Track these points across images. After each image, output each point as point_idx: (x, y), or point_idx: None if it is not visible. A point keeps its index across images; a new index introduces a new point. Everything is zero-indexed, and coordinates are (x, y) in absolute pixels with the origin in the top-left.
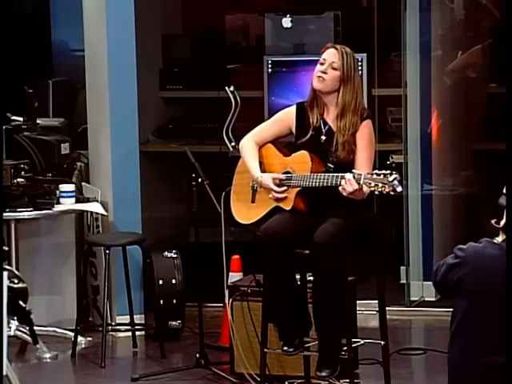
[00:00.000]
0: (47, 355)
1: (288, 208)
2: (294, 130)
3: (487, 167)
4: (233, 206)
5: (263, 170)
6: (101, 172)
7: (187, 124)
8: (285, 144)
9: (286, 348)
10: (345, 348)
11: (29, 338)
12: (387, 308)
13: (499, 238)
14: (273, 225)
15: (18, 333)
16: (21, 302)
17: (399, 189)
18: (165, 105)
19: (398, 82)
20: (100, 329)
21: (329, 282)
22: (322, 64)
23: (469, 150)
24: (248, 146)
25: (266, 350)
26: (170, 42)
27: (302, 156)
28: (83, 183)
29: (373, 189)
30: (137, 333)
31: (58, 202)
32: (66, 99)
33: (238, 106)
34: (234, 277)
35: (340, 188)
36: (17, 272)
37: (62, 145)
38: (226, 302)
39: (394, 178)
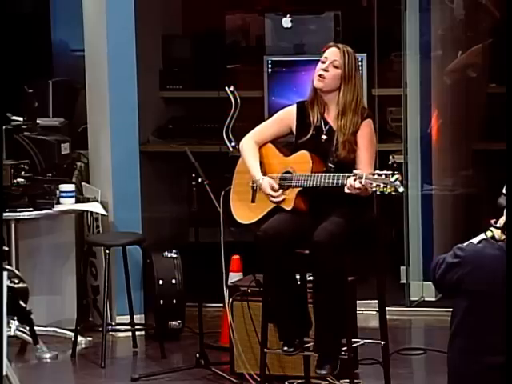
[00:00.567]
0: (47, 355)
1: (289, 208)
2: (294, 130)
3: (487, 167)
4: (233, 206)
5: (263, 170)
6: (101, 172)
7: (187, 124)
8: (284, 144)
9: (285, 348)
10: (345, 348)
11: (29, 338)
12: (387, 308)
13: (489, 233)
14: (273, 225)
15: (18, 333)
16: (21, 302)
17: (401, 189)
18: (165, 105)
19: (398, 82)
20: (100, 329)
21: (329, 281)
22: (323, 62)
23: (469, 150)
24: (248, 146)
25: (266, 350)
26: (170, 42)
27: (303, 156)
28: (83, 183)
29: (374, 189)
30: (137, 333)
31: (58, 202)
32: (66, 99)
33: (238, 105)
34: (234, 277)
35: (345, 189)
36: (17, 272)
37: (62, 145)
38: (226, 302)
39: (396, 179)
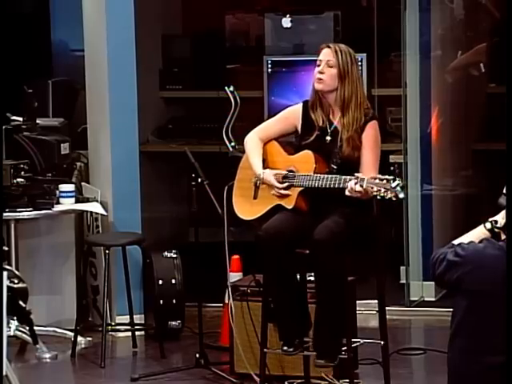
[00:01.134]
0: (47, 355)
1: (290, 207)
2: (299, 129)
3: (487, 167)
4: (235, 201)
5: (266, 167)
6: (101, 172)
7: (187, 124)
8: (286, 143)
9: (285, 348)
10: (345, 348)
11: (29, 338)
12: (387, 308)
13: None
14: (274, 224)
15: (18, 333)
16: (21, 302)
17: (401, 195)
18: (165, 105)
19: (398, 81)
20: (100, 329)
21: (329, 280)
22: (318, 65)
23: (469, 150)
24: (252, 142)
25: (265, 350)
26: (170, 42)
27: (306, 156)
28: (83, 183)
29: (375, 193)
30: (137, 333)
31: (58, 202)
32: (65, 99)
33: (238, 105)
34: (234, 277)
35: (346, 192)
36: (17, 272)
37: (62, 145)
38: (230, 301)
39: (397, 185)
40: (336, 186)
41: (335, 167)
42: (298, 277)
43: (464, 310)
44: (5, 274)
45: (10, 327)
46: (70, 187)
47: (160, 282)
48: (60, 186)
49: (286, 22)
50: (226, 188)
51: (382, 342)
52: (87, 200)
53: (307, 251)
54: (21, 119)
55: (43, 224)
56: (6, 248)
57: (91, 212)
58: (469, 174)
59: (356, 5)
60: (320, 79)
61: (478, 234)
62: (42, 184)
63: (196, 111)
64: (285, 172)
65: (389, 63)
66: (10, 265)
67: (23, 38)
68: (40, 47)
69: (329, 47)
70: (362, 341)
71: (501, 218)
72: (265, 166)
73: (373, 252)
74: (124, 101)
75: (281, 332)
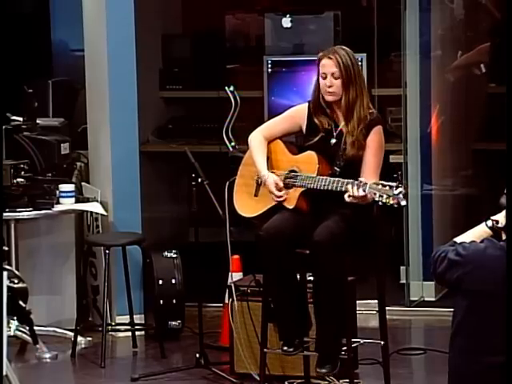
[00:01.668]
0: (47, 355)
1: (290, 207)
2: (304, 129)
3: (487, 167)
4: (235, 198)
5: (270, 166)
6: (101, 172)
7: (187, 124)
8: (293, 141)
9: (285, 348)
10: (345, 348)
11: (29, 338)
12: (387, 308)
13: (489, 223)
14: (275, 224)
15: (18, 333)
16: (21, 302)
17: (403, 202)
18: (165, 105)
19: (398, 81)
20: (100, 329)
21: (329, 281)
22: (324, 78)
23: (469, 150)
24: (256, 141)
25: (265, 349)
26: (170, 42)
27: (310, 157)
28: (83, 183)
29: (377, 199)
30: (137, 333)
31: (58, 202)
32: (65, 99)
33: (238, 105)
34: (234, 277)
35: (345, 196)
36: (17, 272)
37: (62, 145)
38: (234, 300)
39: (400, 192)
40: (338, 189)
41: (338, 169)
42: (298, 277)
43: (464, 309)
44: (5, 274)
45: (10, 327)
46: (70, 187)
47: (160, 282)
48: (60, 186)
49: (286, 21)
50: (227, 184)
51: (382, 342)
52: (87, 200)
53: (307, 251)
54: (21, 119)
55: (43, 224)
56: (6, 248)
57: (91, 212)
58: (469, 174)
59: (356, 5)
60: (331, 92)
61: (479, 232)
62: (42, 184)
63: (196, 111)
64: (287, 173)
65: (389, 63)
66: (10, 265)
67: (23, 38)
68: (40, 47)
69: (329, 58)
70: (362, 341)
71: (502, 217)
72: (268, 164)
73: (373, 252)
74: (124, 101)
75: (281, 332)
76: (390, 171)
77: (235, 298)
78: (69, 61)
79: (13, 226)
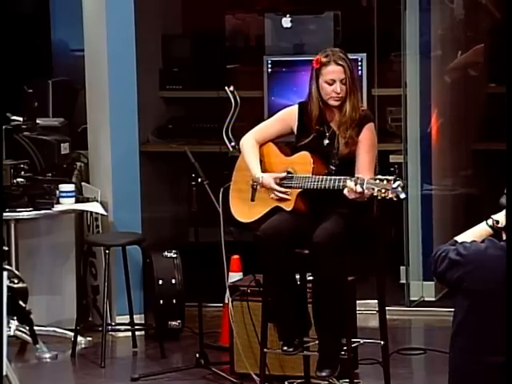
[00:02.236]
0: (47, 355)
1: (289, 209)
2: (295, 130)
3: (487, 167)
4: (232, 204)
5: (264, 169)
6: (101, 172)
7: (187, 124)
8: (284, 144)
9: (285, 348)
10: (345, 348)
11: (29, 338)
12: (387, 308)
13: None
14: (273, 225)
15: (18, 333)
16: (21, 302)
17: (402, 195)
18: (165, 105)
19: (398, 81)
20: (100, 329)
21: (328, 281)
22: (331, 84)
23: (468, 150)
24: (248, 144)
25: (265, 350)
26: (169, 41)
27: (304, 157)
28: (83, 183)
29: (376, 194)
30: (137, 333)
31: (58, 202)
32: (65, 99)
33: (238, 105)
34: (234, 277)
35: (344, 191)
36: (17, 272)
37: (62, 145)
38: (230, 302)
39: (398, 185)
40: (336, 187)
41: (334, 168)
42: (298, 277)
43: (465, 309)
44: (5, 274)
45: (10, 327)
46: (70, 187)
47: (160, 281)
48: (60, 186)
49: (286, 21)
50: (222, 190)
51: (382, 342)
52: (87, 200)
53: (306, 251)
54: (21, 119)
55: (43, 224)
56: (6, 248)
57: (91, 212)
58: (469, 174)
59: (356, 5)
60: (339, 98)
61: (479, 231)
62: (42, 184)
63: (196, 111)
64: (283, 174)
65: (389, 63)
66: (10, 265)
67: (23, 38)
68: (40, 47)
69: (339, 65)
70: (362, 341)
71: (502, 217)
72: (262, 167)
73: (373, 252)
74: (124, 101)
75: (281, 332)
76: (389, 171)
77: (230, 299)
78: (69, 61)
79: (13, 226)
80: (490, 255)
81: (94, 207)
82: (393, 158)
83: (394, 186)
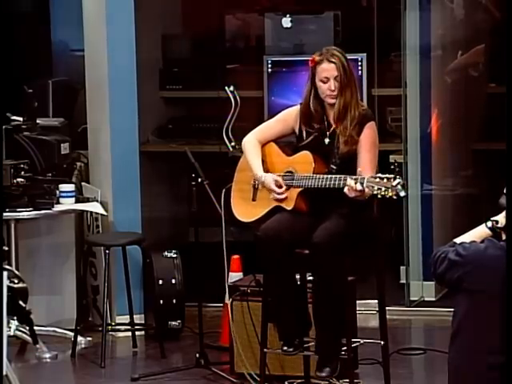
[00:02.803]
0: (47, 355)
1: (289, 208)
2: (296, 130)
3: (487, 167)
4: (233, 204)
5: (265, 169)
6: (101, 172)
7: (187, 124)
8: (286, 143)
9: (285, 348)
10: (345, 348)
11: (29, 338)
12: (387, 308)
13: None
14: (273, 225)
15: (18, 333)
16: (21, 302)
17: (402, 193)
18: (165, 105)
19: (398, 81)
20: (100, 329)
21: (328, 281)
22: (325, 82)
23: (468, 150)
24: (250, 144)
25: (265, 349)
26: (170, 42)
27: (305, 156)
28: (83, 183)
29: (376, 192)
30: (137, 333)
31: (58, 202)
32: (65, 99)
33: (238, 105)
34: (234, 277)
35: (345, 189)
36: (17, 272)
37: (62, 145)
38: (227, 302)
39: (398, 183)
40: (336, 185)
41: (335, 167)
42: (298, 277)
43: (465, 309)
44: (5, 274)
45: (10, 327)
46: (70, 187)
47: (160, 281)
48: (60, 186)
49: (286, 21)
50: (224, 191)
51: (382, 342)
52: (87, 200)
53: (306, 251)
54: (21, 119)
55: (43, 224)
56: (6, 248)
57: (91, 212)
58: (469, 174)
59: (356, 5)
60: (334, 96)
61: (479, 233)
62: (42, 184)
63: (196, 111)
64: (283, 174)
65: (389, 63)
66: (10, 265)
67: (23, 38)
68: (40, 47)
69: (331, 62)
70: (362, 341)
71: (502, 217)
72: (263, 167)
73: (373, 252)
74: (124, 101)
75: (281, 332)
76: (389, 168)
77: (227, 299)
78: (69, 61)
79: (13, 226)
80: (490, 255)
81: (94, 207)
82: (393, 158)
83: (394, 183)
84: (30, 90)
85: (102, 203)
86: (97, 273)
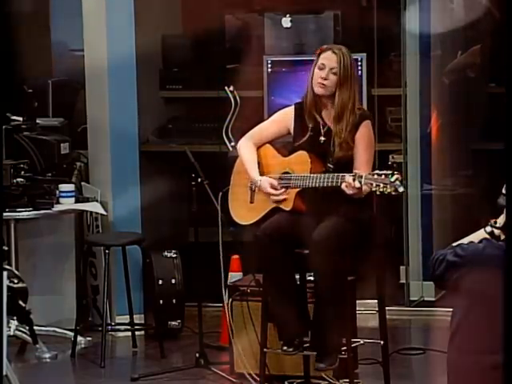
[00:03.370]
0: (47, 355)
1: (288, 208)
2: (292, 131)
3: (487, 167)
4: (231, 207)
5: (262, 171)
6: (100, 172)
7: (187, 124)
8: (283, 144)
9: (285, 348)
10: (344, 348)
11: (28, 338)
12: (387, 308)
13: (488, 229)
14: (272, 225)
15: (18, 333)
16: (21, 302)
17: (401, 189)
18: (165, 105)
19: (398, 81)
20: (100, 329)
21: (328, 281)
22: (321, 69)
23: (468, 150)
24: (246, 147)
25: (265, 349)
26: (170, 42)
27: (301, 156)
28: (83, 183)
29: (374, 189)
30: (136, 333)
31: (58, 202)
32: (65, 99)
33: (238, 105)
34: (234, 277)
35: (342, 186)
36: (17, 272)
37: (62, 145)
38: (226, 302)
39: (396, 179)
40: (334, 184)
41: (331, 166)
42: (298, 277)
43: (463, 309)
44: (5, 273)
45: (10, 327)
46: (70, 187)
47: (160, 281)
48: (60, 185)
49: (286, 21)
50: (221, 194)
51: (382, 342)
52: (87, 200)
53: (306, 251)
54: (21, 119)
55: (43, 224)
56: (5, 248)
57: (91, 212)
58: (469, 174)
59: (356, 5)
60: (323, 84)
61: (478, 237)
62: (42, 184)
63: (196, 111)
64: (280, 175)
65: (389, 63)
66: (10, 265)
67: (23, 38)
68: (40, 47)
69: (334, 52)
70: (362, 341)
71: (501, 218)
72: (260, 169)
73: (373, 251)
74: (124, 100)
75: (281, 332)
76: (388, 166)
77: (226, 300)
78: (69, 61)
79: (13, 226)
80: (488, 255)
81: (94, 207)
82: (392, 159)
83: (392, 179)
84: (30, 90)
85: (101, 203)
86: (97, 273)
